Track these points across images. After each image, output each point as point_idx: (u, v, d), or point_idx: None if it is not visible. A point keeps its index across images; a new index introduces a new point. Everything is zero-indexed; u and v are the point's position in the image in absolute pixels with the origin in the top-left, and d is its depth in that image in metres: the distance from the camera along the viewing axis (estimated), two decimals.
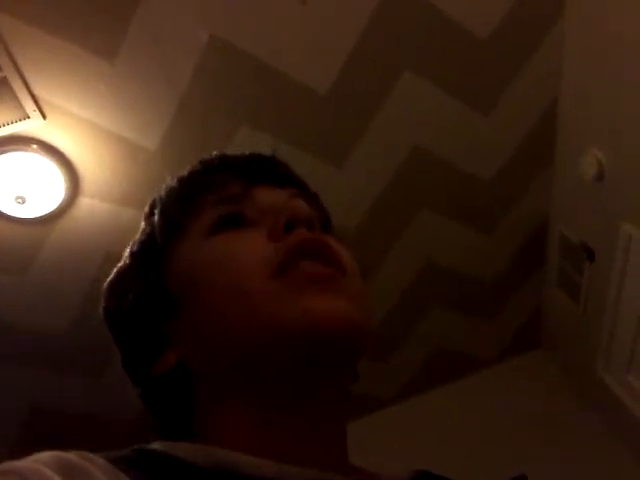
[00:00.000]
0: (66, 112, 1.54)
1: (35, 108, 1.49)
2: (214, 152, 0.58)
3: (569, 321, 2.26)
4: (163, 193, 0.56)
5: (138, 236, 0.56)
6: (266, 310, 0.45)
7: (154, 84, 1.54)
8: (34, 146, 1.57)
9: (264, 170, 0.56)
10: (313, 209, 0.57)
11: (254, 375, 0.47)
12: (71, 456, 0.38)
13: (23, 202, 1.64)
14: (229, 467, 0.42)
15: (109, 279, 0.56)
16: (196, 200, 0.53)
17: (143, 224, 0.57)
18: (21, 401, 2.10)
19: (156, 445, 0.45)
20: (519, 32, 1.67)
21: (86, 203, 1.72)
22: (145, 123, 1.60)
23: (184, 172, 0.57)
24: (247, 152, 0.58)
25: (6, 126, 1.50)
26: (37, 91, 1.48)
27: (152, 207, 0.57)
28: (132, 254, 0.55)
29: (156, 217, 0.55)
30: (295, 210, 0.52)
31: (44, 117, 1.53)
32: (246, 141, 1.68)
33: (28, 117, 1.50)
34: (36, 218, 1.71)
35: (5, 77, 1.41)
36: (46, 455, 0.37)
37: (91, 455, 0.39)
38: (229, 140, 1.67)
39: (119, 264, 0.56)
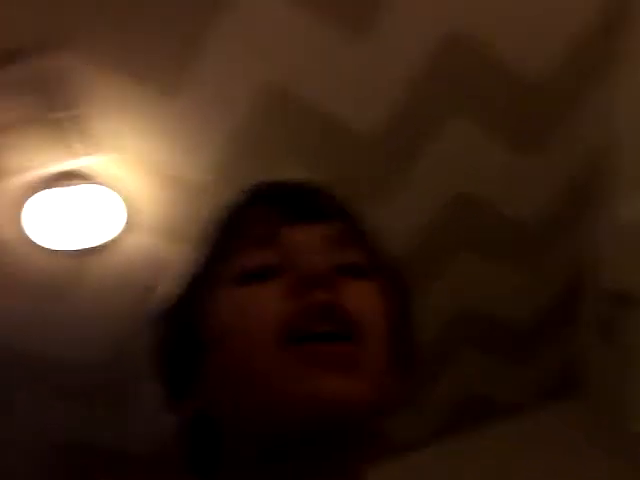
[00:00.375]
0: (124, 149, 1.58)
1: (94, 145, 1.53)
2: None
3: (605, 371, 2.23)
4: (215, 225, 0.56)
5: (198, 259, 0.57)
6: (272, 384, 0.45)
7: (210, 124, 1.59)
8: (91, 181, 1.61)
9: (300, 205, 0.53)
10: (350, 249, 0.53)
11: (262, 443, 0.47)
12: None
13: (73, 234, 1.68)
14: None
15: (174, 299, 0.57)
16: (234, 242, 0.53)
17: (203, 247, 0.57)
18: (52, 433, 2.09)
19: None
20: (569, 77, 1.69)
21: (136, 238, 1.75)
22: (200, 162, 1.64)
23: (231, 202, 0.56)
24: (287, 180, 0.57)
25: (66, 161, 1.54)
26: (97, 128, 1.52)
27: (210, 234, 0.57)
28: (181, 288, 0.56)
29: (205, 255, 0.55)
30: (311, 266, 0.48)
31: (102, 154, 1.57)
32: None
33: (88, 154, 1.54)
34: (83, 250, 1.73)
35: (69, 115, 1.46)
36: None
37: None
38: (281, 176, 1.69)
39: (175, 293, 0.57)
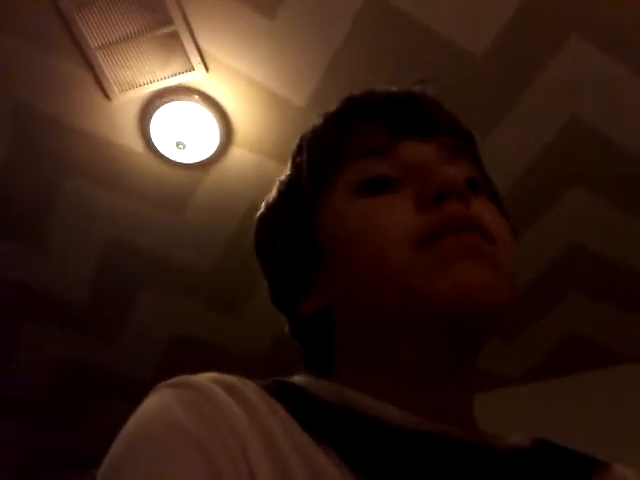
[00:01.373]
0: (226, 66, 1.63)
1: (200, 61, 1.60)
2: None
3: None
4: (310, 135, 0.56)
5: (286, 174, 0.58)
6: (411, 281, 0.46)
7: (309, 42, 1.58)
8: (196, 97, 1.69)
9: (412, 117, 0.52)
10: (465, 165, 0.52)
11: (390, 339, 0.48)
12: (232, 378, 0.44)
13: (183, 147, 1.79)
14: (359, 409, 0.45)
15: (260, 212, 0.59)
16: (341, 148, 0.52)
17: (290, 163, 0.58)
18: (165, 329, 2.32)
19: (297, 379, 0.49)
20: None
21: (238, 152, 1.83)
22: (297, 80, 1.66)
23: (332, 110, 0.56)
24: (396, 90, 0.55)
25: (173, 77, 1.62)
26: (203, 45, 1.58)
27: (300, 146, 0.57)
28: (280, 193, 0.57)
29: (304, 162, 0.55)
30: (445, 179, 0.48)
31: (207, 70, 1.63)
32: None
33: (193, 69, 1.61)
34: (193, 163, 1.85)
35: (176, 31, 1.53)
36: (212, 375, 0.44)
37: (246, 380, 0.45)
38: None
39: (268, 198, 0.59)
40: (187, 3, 1.50)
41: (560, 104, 1.70)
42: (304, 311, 0.53)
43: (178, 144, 1.78)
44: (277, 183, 0.58)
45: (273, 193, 0.58)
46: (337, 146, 0.53)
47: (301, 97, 1.69)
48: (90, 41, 1.55)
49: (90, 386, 2.47)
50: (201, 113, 1.71)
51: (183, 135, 1.76)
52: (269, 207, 0.58)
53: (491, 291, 0.45)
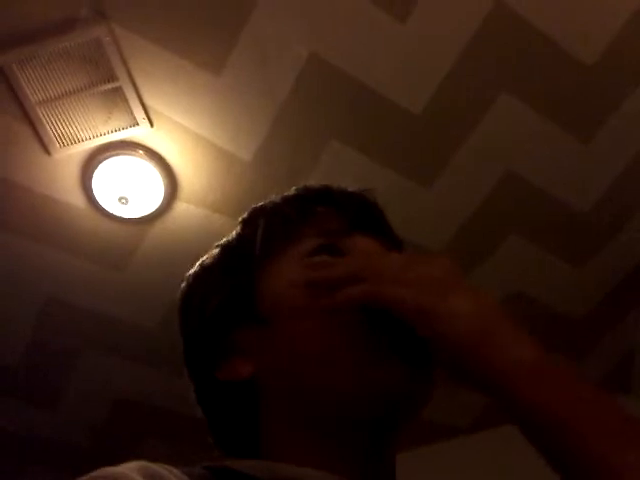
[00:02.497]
0: (171, 121, 1.64)
1: (144, 116, 1.60)
2: (320, 182, 0.60)
3: None
4: (269, 208, 0.58)
5: (231, 237, 0.58)
6: (345, 370, 0.48)
7: (254, 97, 1.62)
8: (140, 151, 1.69)
9: (367, 217, 0.58)
10: None
11: (321, 416, 0.49)
12: (156, 467, 0.42)
13: (126, 203, 1.77)
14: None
15: (194, 271, 0.59)
16: (299, 227, 0.55)
17: (239, 228, 0.58)
18: (106, 391, 2.22)
19: (228, 463, 0.48)
20: (626, 58, 1.60)
21: (182, 207, 1.82)
22: (243, 135, 1.68)
23: (290, 193, 0.58)
24: (350, 189, 0.60)
25: (117, 132, 1.62)
26: (147, 100, 1.59)
27: (253, 216, 0.58)
28: (223, 249, 0.57)
29: (259, 229, 0.56)
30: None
31: (152, 125, 1.64)
32: (336, 156, 1.72)
33: (137, 124, 1.61)
34: (136, 218, 1.82)
35: (120, 87, 1.53)
36: (135, 464, 0.42)
37: (172, 467, 0.43)
38: (319, 154, 1.72)
39: (204, 258, 0.58)
40: (132, 59, 1.52)
41: (495, 159, 1.78)
42: (227, 375, 0.52)
43: (121, 199, 1.76)
44: (216, 247, 0.58)
45: (211, 255, 0.58)
46: (296, 225, 0.55)
47: (247, 152, 1.71)
48: (31, 96, 1.53)
49: (28, 453, 2.32)
50: (145, 168, 1.70)
51: (126, 190, 1.74)
52: (205, 267, 0.58)
53: (408, 385, 0.49)
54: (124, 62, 1.51)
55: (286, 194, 0.59)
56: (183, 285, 0.59)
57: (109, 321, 2.04)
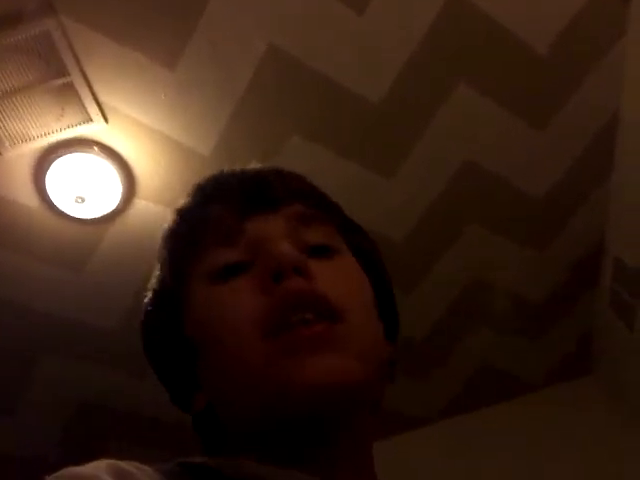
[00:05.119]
0: (127, 117, 1.60)
1: (98, 112, 1.56)
2: (210, 174, 0.58)
3: (622, 348, 2.19)
4: (168, 231, 0.58)
5: (156, 272, 0.58)
6: (259, 373, 0.46)
7: (211, 92, 1.59)
8: (95, 148, 1.64)
9: (257, 194, 0.54)
10: (319, 229, 0.54)
11: (262, 430, 0.48)
12: (125, 465, 0.41)
13: (82, 202, 1.72)
14: (257, 477, 0.45)
15: (143, 311, 0.59)
16: (196, 240, 0.54)
17: (158, 258, 0.59)
18: (68, 395, 2.17)
19: (198, 459, 0.47)
20: (579, 47, 1.64)
21: (141, 205, 1.78)
22: (200, 129, 1.65)
23: (184, 203, 0.58)
24: (244, 170, 0.58)
25: (70, 128, 1.57)
26: (101, 96, 1.55)
27: (163, 241, 0.58)
28: (153, 291, 0.57)
29: (165, 260, 0.57)
30: (279, 256, 0.49)
31: (106, 121, 1.59)
32: (297, 150, 1.71)
33: (91, 120, 1.57)
34: (94, 218, 1.78)
35: (72, 82, 1.49)
36: (103, 463, 0.41)
37: (142, 465, 0.43)
38: (280, 149, 1.70)
39: (145, 299, 0.58)
40: (83, 53, 1.48)
41: (454, 148, 1.80)
42: (196, 408, 0.53)
43: (77, 198, 1.71)
44: (151, 278, 0.58)
45: (150, 284, 0.58)
46: (192, 239, 0.54)
47: (205, 147, 1.68)
48: None
49: None
50: (101, 165, 1.66)
51: (82, 189, 1.70)
52: (146, 308, 0.58)
53: (343, 374, 0.45)
54: (75, 56, 1.46)
55: (180, 206, 0.58)
56: (139, 328, 0.59)
57: (68, 324, 1.99)
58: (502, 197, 1.93)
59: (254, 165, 0.59)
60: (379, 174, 1.83)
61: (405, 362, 2.25)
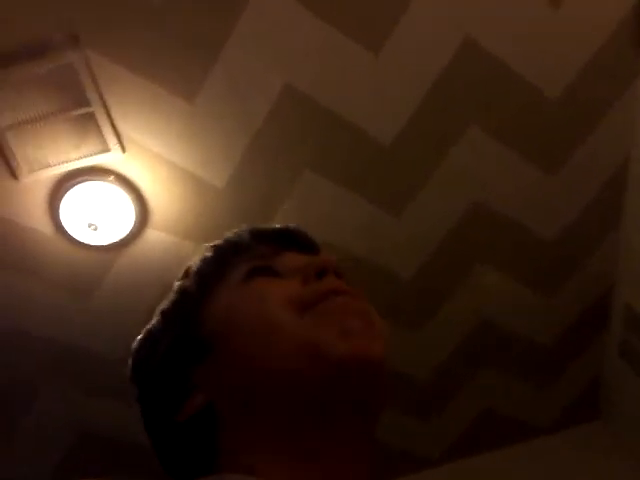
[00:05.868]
0: (144, 147, 1.63)
1: (116, 142, 1.59)
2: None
3: (631, 394, 2.16)
4: (198, 259, 0.61)
5: (170, 296, 0.60)
6: (299, 339, 0.48)
7: (228, 125, 1.62)
8: (111, 177, 1.67)
9: (291, 238, 0.61)
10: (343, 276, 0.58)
11: (284, 410, 0.48)
12: None
13: (95, 229, 1.73)
14: None
15: (139, 338, 0.60)
16: (229, 260, 0.58)
17: (175, 285, 0.61)
18: (72, 424, 2.15)
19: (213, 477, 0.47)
20: (591, 92, 1.66)
21: (153, 235, 1.80)
22: (215, 162, 1.68)
23: (217, 242, 0.61)
24: (275, 226, 0.63)
25: (88, 157, 1.60)
26: (120, 126, 1.58)
27: (186, 271, 0.61)
28: (163, 312, 0.59)
29: (191, 275, 0.59)
30: (325, 260, 0.55)
31: (123, 151, 1.62)
32: (309, 187, 1.73)
33: (109, 150, 1.59)
34: (105, 245, 1.79)
35: (92, 112, 1.52)
36: None
37: None
38: (292, 184, 1.72)
39: (148, 325, 0.60)
40: (104, 85, 1.51)
41: (463, 189, 1.82)
42: (186, 414, 0.53)
43: (90, 225, 1.72)
44: (156, 312, 0.60)
45: (152, 320, 0.60)
46: (226, 260, 0.58)
47: (219, 179, 1.70)
48: (0, 120, 1.50)
49: None
50: (116, 194, 1.68)
51: (96, 216, 1.71)
52: (149, 329, 0.60)
53: (377, 337, 0.49)
54: (97, 88, 1.50)
55: (213, 243, 0.62)
56: (131, 355, 0.60)
57: (75, 351, 1.98)
58: (512, 239, 1.93)
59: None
60: (389, 212, 1.84)
61: (409, 401, 2.22)
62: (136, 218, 1.74)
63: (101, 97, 1.51)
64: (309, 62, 1.56)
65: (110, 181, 1.67)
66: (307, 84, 1.59)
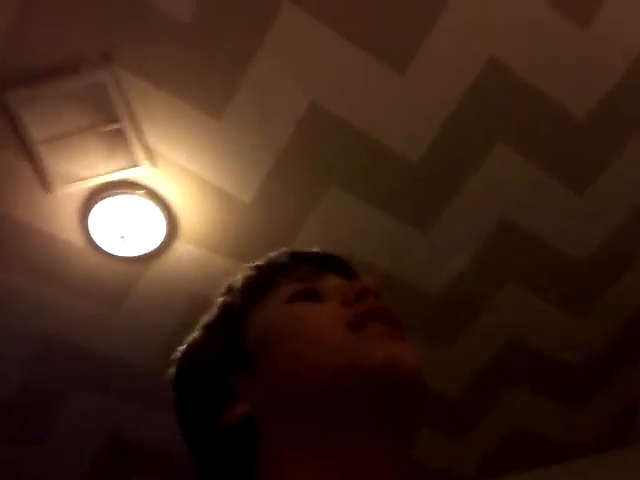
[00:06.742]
0: (173, 163, 1.65)
1: (146, 157, 1.62)
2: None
3: None
4: (241, 277, 0.63)
5: (212, 311, 0.62)
6: (343, 356, 0.50)
7: (255, 143, 1.63)
8: (141, 191, 1.70)
9: (331, 262, 0.64)
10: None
11: (325, 425, 0.49)
12: None
13: (124, 240, 1.76)
14: None
15: (181, 349, 0.61)
16: (274, 279, 0.60)
17: (218, 301, 0.62)
18: (100, 430, 2.19)
19: None
20: (620, 113, 1.62)
21: (182, 247, 1.82)
22: (243, 178, 1.69)
23: (259, 261, 0.63)
24: (314, 250, 0.65)
25: (118, 172, 1.63)
26: (149, 142, 1.61)
27: (229, 288, 0.63)
28: (206, 326, 0.61)
29: (235, 291, 0.61)
30: (365, 283, 0.56)
31: (153, 166, 1.64)
32: (335, 203, 1.72)
33: (138, 165, 1.62)
34: (134, 257, 1.82)
35: (122, 128, 1.55)
36: None
37: None
38: (319, 200, 1.72)
39: (190, 336, 0.62)
40: (134, 102, 1.54)
41: (491, 207, 1.79)
42: (227, 422, 0.54)
43: (120, 237, 1.75)
44: (199, 325, 0.62)
45: (194, 333, 0.62)
46: (270, 279, 0.60)
47: (247, 194, 1.72)
48: (33, 134, 1.54)
49: None
50: (146, 207, 1.71)
51: (126, 228, 1.74)
52: (191, 343, 0.61)
53: (415, 362, 0.51)
54: (127, 104, 1.52)
55: (256, 262, 0.64)
56: (173, 366, 0.61)
57: (104, 359, 2.02)
58: (541, 257, 1.89)
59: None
60: (416, 229, 1.82)
61: (440, 418, 2.19)
62: (165, 231, 1.77)
63: (131, 114, 1.54)
64: (335, 80, 1.56)
65: (140, 194, 1.69)
66: (333, 102, 1.59)
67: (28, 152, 1.58)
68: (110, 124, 1.54)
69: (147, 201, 1.72)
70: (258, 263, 0.63)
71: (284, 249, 0.64)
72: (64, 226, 1.75)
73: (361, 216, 1.75)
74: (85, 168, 1.61)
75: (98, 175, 1.63)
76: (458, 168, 1.71)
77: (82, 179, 1.63)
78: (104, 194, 1.68)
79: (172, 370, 0.61)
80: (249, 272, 0.63)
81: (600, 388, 2.20)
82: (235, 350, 0.56)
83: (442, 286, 1.93)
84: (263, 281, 0.60)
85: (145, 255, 1.82)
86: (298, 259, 0.62)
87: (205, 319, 0.62)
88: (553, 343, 2.09)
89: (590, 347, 2.10)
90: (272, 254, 0.64)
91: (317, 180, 1.70)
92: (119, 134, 1.56)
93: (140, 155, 1.60)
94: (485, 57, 1.51)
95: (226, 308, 0.61)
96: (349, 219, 1.76)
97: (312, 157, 1.66)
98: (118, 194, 1.69)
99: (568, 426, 2.28)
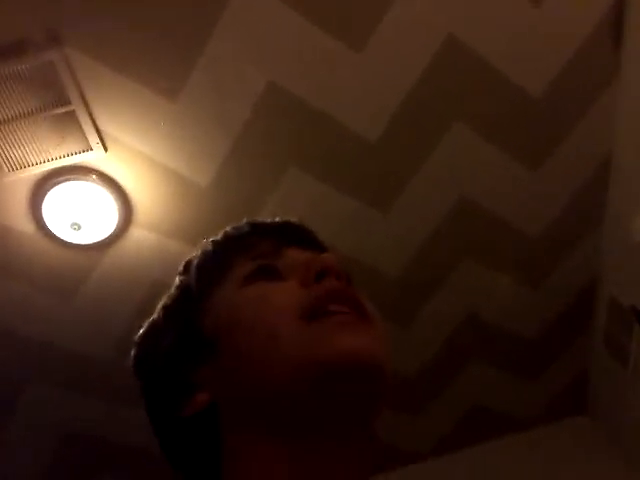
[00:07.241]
0: (126, 146, 1.62)
1: (98, 141, 1.57)
2: (244, 219, 0.62)
3: (617, 387, 2.17)
4: (199, 254, 0.60)
5: (171, 292, 0.60)
6: (298, 349, 0.48)
7: (211, 124, 1.61)
8: (93, 176, 1.65)
9: (293, 234, 0.60)
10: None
11: (283, 414, 0.49)
12: None
13: (78, 229, 1.72)
14: None
15: (141, 332, 0.59)
16: (231, 257, 0.57)
17: (177, 280, 0.60)
18: (56, 425, 2.14)
19: None
20: (572, 90, 1.67)
21: (137, 233, 1.78)
22: (199, 161, 1.67)
23: (217, 236, 0.61)
24: (276, 219, 0.63)
25: (69, 156, 1.58)
26: (101, 125, 1.57)
27: (187, 266, 0.61)
28: (165, 307, 0.59)
29: (192, 271, 0.59)
30: (325, 261, 0.54)
31: (105, 150, 1.61)
32: (294, 184, 1.72)
33: (91, 149, 1.58)
34: (89, 244, 1.78)
35: (73, 111, 1.50)
36: None
37: None
38: (277, 181, 1.72)
39: (150, 318, 0.60)
40: (85, 83, 1.49)
41: (449, 185, 1.82)
42: (189, 411, 0.52)
43: (73, 225, 1.71)
44: (158, 307, 0.60)
45: (154, 315, 0.60)
46: (227, 257, 0.58)
47: (203, 178, 1.69)
48: None
49: None
50: (99, 193, 1.67)
51: (79, 215, 1.70)
52: (152, 323, 0.59)
53: (373, 350, 0.49)
54: (77, 86, 1.48)
55: (214, 238, 0.61)
56: (133, 349, 0.59)
57: (59, 351, 1.97)
58: (497, 234, 1.94)
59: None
60: (375, 209, 1.84)
61: (398, 397, 2.23)
62: (119, 217, 1.73)
63: (82, 96, 1.49)
64: (292, 60, 1.55)
65: (92, 180, 1.65)
66: (290, 82, 1.58)
67: None
68: (60, 107, 1.49)
69: (100, 187, 1.68)
70: (216, 238, 0.61)
71: (244, 221, 0.61)
72: (15, 214, 1.69)
73: (319, 197, 1.76)
74: (35, 153, 1.56)
75: (49, 160, 1.58)
76: (416, 147, 1.73)
77: (32, 164, 1.58)
78: (56, 180, 1.63)
79: (133, 353, 0.59)
80: (206, 249, 0.60)
81: (551, 360, 2.28)
82: (194, 335, 0.54)
83: (400, 265, 1.96)
84: (220, 259, 0.58)
85: (100, 242, 1.78)
86: (258, 232, 0.59)
87: (164, 300, 0.60)
88: (508, 318, 2.15)
89: (542, 321, 2.17)
90: (231, 228, 0.61)
91: (275, 161, 1.70)
92: (70, 117, 1.51)
93: (92, 139, 1.56)
94: (444, 34, 1.53)
95: (183, 289, 0.58)
96: (307, 200, 1.76)
97: (270, 138, 1.65)
98: (70, 180, 1.65)
99: (523, 398, 2.36)
